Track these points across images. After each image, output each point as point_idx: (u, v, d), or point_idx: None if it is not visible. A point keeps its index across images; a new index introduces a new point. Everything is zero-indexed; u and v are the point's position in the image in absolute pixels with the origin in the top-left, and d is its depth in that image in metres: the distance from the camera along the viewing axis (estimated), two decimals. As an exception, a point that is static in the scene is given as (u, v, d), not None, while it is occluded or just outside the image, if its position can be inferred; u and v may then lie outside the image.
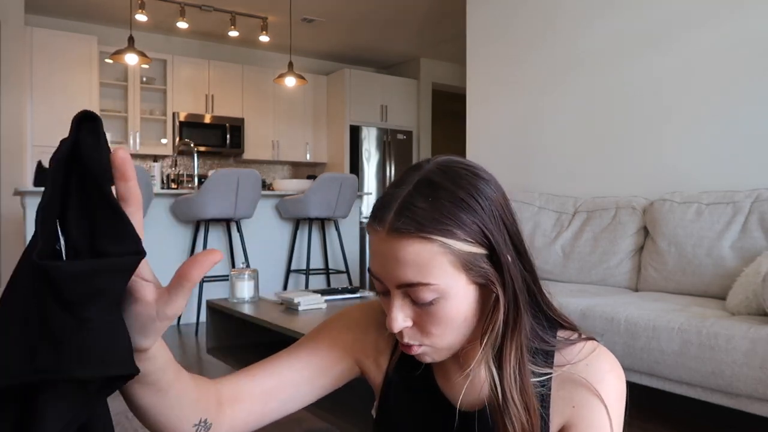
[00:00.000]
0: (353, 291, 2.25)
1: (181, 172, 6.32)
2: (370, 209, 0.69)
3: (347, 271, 4.77)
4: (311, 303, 1.97)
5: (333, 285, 4.82)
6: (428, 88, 7.47)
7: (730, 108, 2.83)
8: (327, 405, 1.58)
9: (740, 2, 2.80)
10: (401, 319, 0.63)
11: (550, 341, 0.69)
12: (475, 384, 0.71)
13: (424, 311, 0.63)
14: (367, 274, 0.58)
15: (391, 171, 7.00)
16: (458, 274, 0.62)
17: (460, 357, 0.70)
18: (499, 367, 0.64)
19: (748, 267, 2.24)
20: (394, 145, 7.08)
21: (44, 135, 5.44)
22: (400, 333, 0.65)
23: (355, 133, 6.85)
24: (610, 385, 0.67)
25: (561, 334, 0.71)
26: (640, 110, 3.20)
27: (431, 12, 5.83)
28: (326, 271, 4.78)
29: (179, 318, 4.19)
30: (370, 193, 6.59)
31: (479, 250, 0.62)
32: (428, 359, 0.67)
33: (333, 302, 2.09)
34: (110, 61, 5.22)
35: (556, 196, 3.39)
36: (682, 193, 2.78)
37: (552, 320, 0.71)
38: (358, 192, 4.95)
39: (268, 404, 0.70)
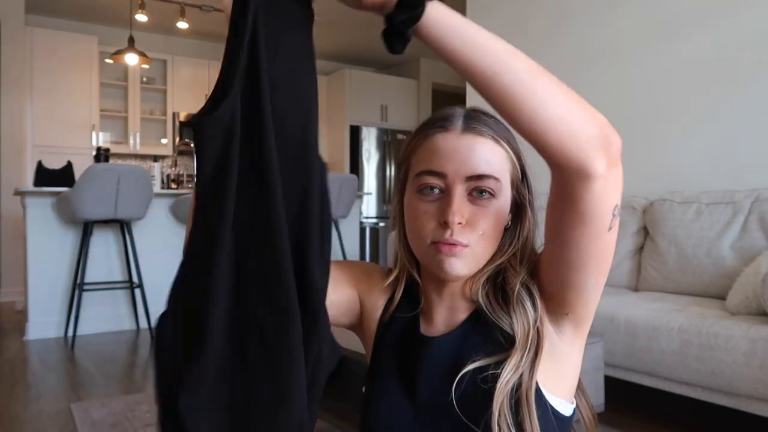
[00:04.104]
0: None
1: (181, 172, 6.32)
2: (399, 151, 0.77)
3: (347, 271, 4.76)
4: (311, 303, 1.96)
5: (333, 285, 4.82)
6: (428, 88, 7.47)
7: (731, 108, 2.82)
8: (327, 405, 1.58)
9: (740, 3, 2.80)
10: (461, 211, 0.69)
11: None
12: (450, 316, 0.77)
13: (478, 208, 0.70)
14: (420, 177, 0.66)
15: (391, 171, 6.99)
16: (507, 184, 0.72)
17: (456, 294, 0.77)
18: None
19: (748, 267, 2.24)
20: (394, 145, 7.08)
21: (44, 135, 5.43)
22: (450, 230, 0.69)
23: (355, 133, 6.85)
24: None
25: None
26: (640, 110, 3.20)
27: (431, 12, 5.83)
28: (326, 271, 4.77)
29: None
30: (370, 193, 6.59)
31: (519, 172, 0.74)
32: (460, 267, 0.70)
33: (333, 302, 2.09)
34: (110, 61, 5.22)
35: (556, 196, 3.39)
36: (682, 193, 2.77)
37: None
38: (358, 192, 4.94)
39: None
